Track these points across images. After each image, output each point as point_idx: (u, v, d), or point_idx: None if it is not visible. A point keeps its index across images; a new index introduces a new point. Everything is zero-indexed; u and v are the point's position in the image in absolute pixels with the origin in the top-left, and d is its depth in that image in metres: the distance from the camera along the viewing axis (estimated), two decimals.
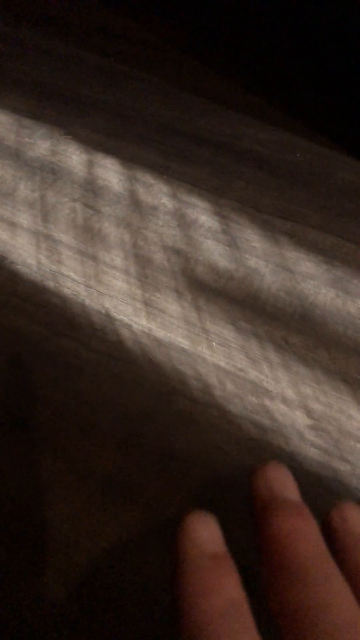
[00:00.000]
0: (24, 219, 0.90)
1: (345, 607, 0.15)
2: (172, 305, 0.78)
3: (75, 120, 1.12)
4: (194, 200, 0.95)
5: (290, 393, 0.68)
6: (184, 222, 0.91)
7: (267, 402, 0.67)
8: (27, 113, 1.14)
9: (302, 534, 0.17)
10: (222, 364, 0.71)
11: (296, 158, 1.05)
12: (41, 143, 1.06)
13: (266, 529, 0.17)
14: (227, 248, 0.86)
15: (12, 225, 0.89)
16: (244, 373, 0.70)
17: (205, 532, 0.17)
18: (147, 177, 0.99)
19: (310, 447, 0.64)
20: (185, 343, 0.73)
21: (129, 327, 0.75)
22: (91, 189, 0.96)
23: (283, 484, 0.19)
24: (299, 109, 1.17)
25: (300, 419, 0.66)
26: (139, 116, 1.14)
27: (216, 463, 0.62)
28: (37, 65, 1.32)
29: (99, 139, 1.07)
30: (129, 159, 1.03)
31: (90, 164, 1.01)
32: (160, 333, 0.74)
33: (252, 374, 0.70)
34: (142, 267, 0.83)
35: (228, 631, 0.14)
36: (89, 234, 0.88)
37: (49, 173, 0.99)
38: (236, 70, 1.29)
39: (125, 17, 1.54)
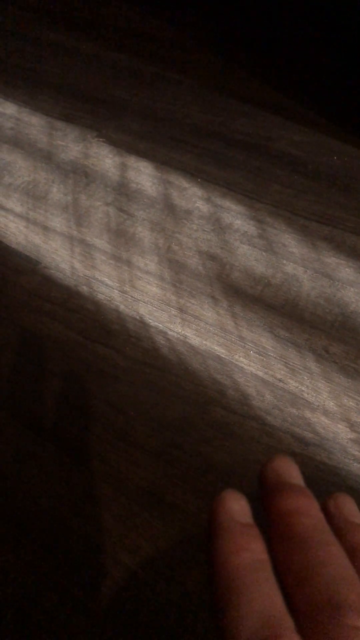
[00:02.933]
0: (57, 222, 0.89)
1: (341, 566, 0.18)
2: (207, 312, 0.76)
3: (107, 123, 1.11)
4: (229, 204, 0.93)
5: (331, 405, 0.66)
6: (218, 227, 0.89)
7: (308, 414, 0.65)
8: (60, 115, 1.13)
9: (304, 510, 0.20)
10: (260, 373, 0.69)
11: (333, 161, 1.02)
12: (74, 146, 1.05)
13: (274, 507, 0.20)
14: (263, 253, 0.84)
15: (45, 229, 0.88)
16: (283, 383, 0.68)
17: (237, 505, 0.20)
18: (181, 181, 0.97)
19: (354, 462, 0.61)
20: (221, 351, 0.71)
21: (164, 334, 0.73)
22: (124, 193, 0.95)
23: (289, 472, 0.22)
24: (334, 110, 1.14)
25: (342, 432, 0.63)
26: (171, 118, 1.13)
27: (254, 476, 0.60)
28: (69, 67, 1.31)
29: (132, 142, 1.06)
30: (162, 162, 1.01)
31: (123, 167, 1.00)
32: (195, 340, 0.73)
33: (292, 384, 0.68)
34: (177, 273, 0.81)
35: (254, 581, 0.17)
36: (123, 239, 0.87)
37: (82, 176, 0.98)
38: (270, 71, 1.27)
39: (157, 19, 1.53)
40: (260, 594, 0.17)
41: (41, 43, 1.42)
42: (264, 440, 0.63)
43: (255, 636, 0.16)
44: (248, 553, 0.18)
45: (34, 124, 1.10)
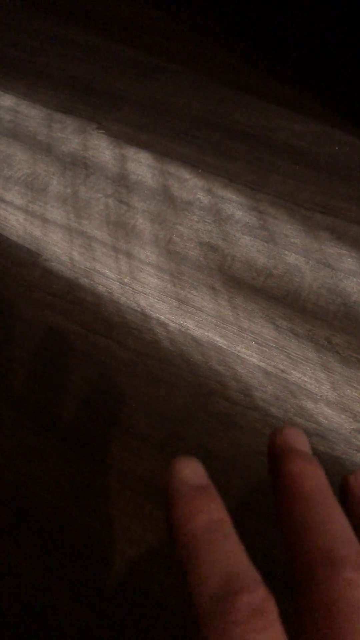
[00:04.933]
0: (57, 215, 0.88)
1: (342, 526, 0.18)
2: (208, 304, 0.75)
3: (107, 114, 1.10)
4: (230, 195, 0.92)
5: (334, 395, 0.65)
6: (219, 218, 0.88)
7: (311, 404, 0.65)
8: (59, 107, 1.13)
9: (309, 474, 0.20)
10: (262, 364, 0.69)
11: (334, 150, 1.01)
12: (73, 138, 1.04)
13: (280, 471, 0.20)
14: (265, 244, 0.84)
15: (45, 221, 0.87)
16: (285, 374, 0.68)
17: (189, 470, 0.20)
18: (182, 172, 0.97)
19: (357, 453, 0.61)
20: (223, 342, 0.71)
21: (165, 325, 0.73)
22: (124, 184, 0.94)
23: (296, 439, 0.23)
24: (335, 100, 1.13)
25: (346, 423, 0.63)
26: (172, 109, 1.12)
27: (257, 467, 0.60)
28: (68, 59, 1.30)
29: (132, 133, 1.05)
30: (162, 153, 1.01)
31: (123, 159, 0.99)
32: (197, 332, 0.72)
33: (294, 375, 0.68)
34: (178, 264, 0.81)
35: (212, 541, 0.17)
36: (123, 230, 0.86)
37: (82, 168, 0.97)
38: (271, 62, 1.26)
39: (157, 9, 1.51)
40: (219, 552, 0.17)
41: (40, 35, 1.41)
42: (266, 432, 0.63)
43: (219, 594, 0.16)
44: (203, 515, 0.18)
45: (33, 117, 1.10)
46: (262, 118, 1.10)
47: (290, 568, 0.18)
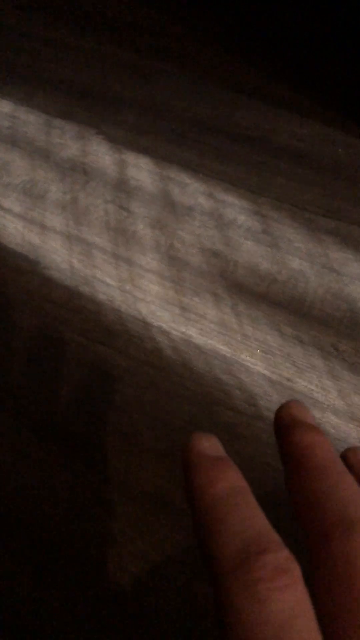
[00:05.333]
0: (56, 222, 0.87)
1: (354, 491, 0.18)
2: (211, 310, 0.74)
3: (106, 119, 1.09)
4: (232, 199, 0.91)
5: (341, 404, 0.64)
6: (221, 223, 0.87)
7: (318, 413, 0.63)
8: (57, 113, 1.11)
9: (318, 444, 0.20)
10: (267, 372, 0.67)
11: (337, 153, 1.00)
12: (72, 143, 1.03)
13: (289, 443, 0.21)
14: (268, 249, 0.82)
15: (44, 228, 0.86)
16: (290, 383, 0.66)
17: (206, 443, 0.21)
18: (182, 176, 0.95)
19: None
20: (226, 350, 0.69)
21: (167, 334, 0.71)
22: (124, 190, 0.93)
23: (302, 413, 0.23)
24: (337, 101, 1.12)
25: (354, 432, 0.61)
26: (171, 112, 1.11)
27: (264, 479, 0.58)
28: (65, 62, 1.29)
29: (131, 138, 1.04)
30: (162, 157, 0.99)
31: (122, 164, 0.98)
32: (200, 340, 0.71)
33: (300, 383, 0.66)
34: (179, 270, 0.79)
35: (232, 506, 0.18)
36: (124, 237, 0.85)
37: (81, 174, 0.96)
38: (270, 62, 1.25)
39: (154, 10, 1.50)
40: (241, 516, 0.17)
41: (37, 39, 1.40)
42: (272, 441, 0.61)
43: (242, 554, 0.16)
44: (223, 482, 0.19)
45: (31, 122, 1.08)
46: (262, 120, 1.08)
47: (305, 536, 0.17)
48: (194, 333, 0.71)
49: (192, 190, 0.93)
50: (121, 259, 0.81)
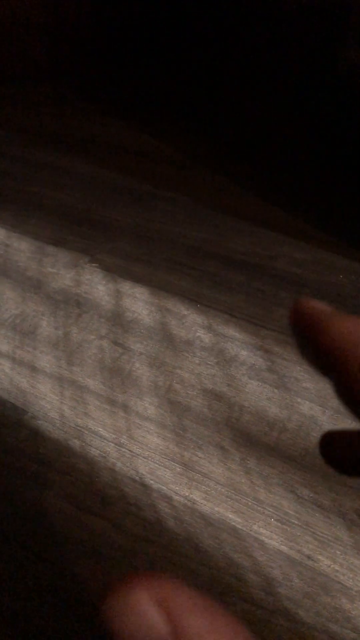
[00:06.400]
0: (47, 361, 0.81)
1: None
2: (217, 468, 0.66)
3: (100, 246, 1.07)
4: (232, 332, 0.86)
5: None
6: (222, 359, 0.81)
7: (346, 603, 0.54)
8: (50, 239, 1.10)
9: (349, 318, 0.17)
10: (285, 548, 0.58)
11: (339, 279, 0.97)
12: (65, 272, 1.00)
13: (326, 335, 0.16)
14: (275, 390, 0.76)
15: (33, 370, 0.80)
16: (312, 562, 0.57)
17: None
18: (179, 307, 0.91)
19: None
20: (237, 520, 0.61)
21: (168, 499, 0.63)
22: (119, 323, 0.88)
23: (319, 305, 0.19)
24: (336, 226, 1.11)
25: None
26: (166, 238, 1.09)
27: None
28: (58, 187, 1.30)
29: (126, 266, 1.01)
30: (158, 286, 0.96)
31: (117, 295, 0.94)
32: (205, 507, 0.62)
33: (323, 562, 0.57)
34: (180, 417, 0.73)
35: None
36: (119, 377, 0.79)
37: (74, 306, 0.92)
38: (266, 186, 1.26)
39: (147, 134, 1.55)
40: None
41: (31, 163, 1.42)
42: None
43: None
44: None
45: (22, 250, 1.06)
46: (260, 246, 1.06)
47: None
48: (198, 497, 0.63)
49: (190, 322, 0.88)
50: (116, 405, 0.75)
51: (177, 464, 0.67)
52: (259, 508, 0.62)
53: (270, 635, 0.52)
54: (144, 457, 0.68)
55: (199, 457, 0.68)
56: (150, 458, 0.68)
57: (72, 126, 1.64)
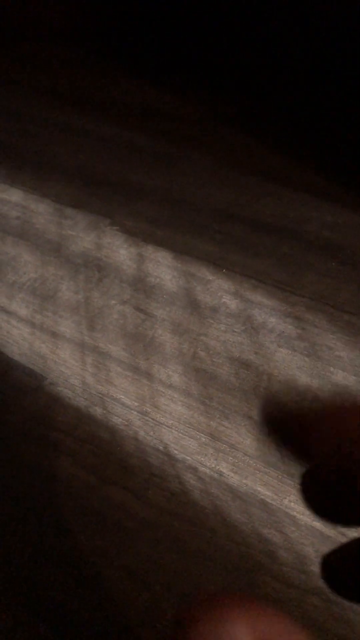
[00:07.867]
0: (67, 326, 0.78)
1: None
2: (245, 439, 0.63)
3: (121, 209, 1.02)
4: (260, 298, 0.82)
5: None
6: (250, 326, 0.77)
7: None
8: (70, 201, 1.05)
9: None
10: (317, 524, 0.55)
11: None
12: (85, 235, 0.96)
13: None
14: (305, 359, 0.72)
15: (53, 335, 0.77)
16: (346, 539, 0.54)
17: None
18: (204, 272, 0.87)
19: None
20: (267, 494, 0.58)
21: (194, 470, 0.60)
22: (142, 288, 0.84)
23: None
24: None
25: None
26: (190, 201, 1.04)
27: None
28: (79, 149, 1.25)
29: (149, 229, 0.97)
30: (182, 251, 0.91)
31: (139, 259, 0.90)
32: (233, 479, 0.59)
33: None
34: (205, 386, 0.69)
35: None
36: (141, 344, 0.75)
37: (94, 270, 0.88)
38: (295, 146, 1.19)
39: (171, 94, 1.48)
40: None
41: (51, 125, 1.37)
42: (330, 627, 0.48)
43: None
44: None
45: (41, 212, 1.02)
46: (289, 208, 1.01)
47: None
48: (225, 469, 0.60)
49: (215, 288, 0.84)
50: (139, 372, 0.71)
51: (203, 433, 0.64)
52: (289, 482, 0.59)
53: (304, 613, 0.49)
54: (168, 426, 0.65)
55: (226, 427, 0.64)
56: (174, 427, 0.65)
57: (92, 87, 1.57)
